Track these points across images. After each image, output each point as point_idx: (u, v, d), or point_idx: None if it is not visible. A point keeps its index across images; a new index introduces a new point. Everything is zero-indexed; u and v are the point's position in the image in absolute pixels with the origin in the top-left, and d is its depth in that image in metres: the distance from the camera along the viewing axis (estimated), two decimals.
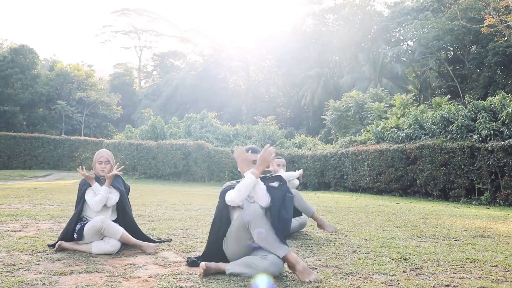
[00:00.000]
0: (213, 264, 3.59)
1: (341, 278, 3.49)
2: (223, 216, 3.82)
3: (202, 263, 3.54)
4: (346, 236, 5.63)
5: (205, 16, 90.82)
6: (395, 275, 3.61)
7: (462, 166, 13.34)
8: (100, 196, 4.54)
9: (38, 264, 3.81)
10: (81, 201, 4.63)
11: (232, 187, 3.73)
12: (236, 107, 47.16)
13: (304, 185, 19.38)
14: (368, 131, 19.06)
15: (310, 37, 44.93)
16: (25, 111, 40.72)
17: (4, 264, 3.78)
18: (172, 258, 4.19)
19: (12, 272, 3.52)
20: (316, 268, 3.84)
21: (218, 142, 25.26)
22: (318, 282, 3.34)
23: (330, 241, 5.25)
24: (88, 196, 4.59)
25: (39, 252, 4.31)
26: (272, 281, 3.32)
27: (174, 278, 3.45)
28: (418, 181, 14.72)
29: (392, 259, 4.18)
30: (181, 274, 3.59)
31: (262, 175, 3.79)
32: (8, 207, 8.09)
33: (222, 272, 3.57)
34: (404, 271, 3.73)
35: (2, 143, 28.70)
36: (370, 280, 3.45)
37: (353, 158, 17.35)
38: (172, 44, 73.16)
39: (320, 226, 5.73)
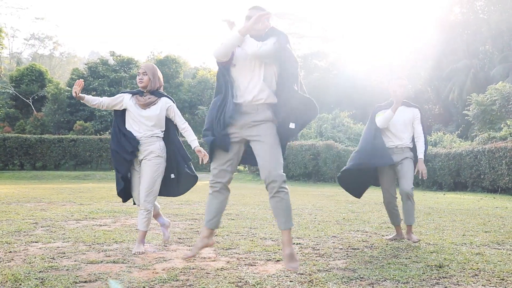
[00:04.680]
0: None
1: (343, 282, 3.30)
2: None
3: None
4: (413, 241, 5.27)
5: (344, 14, 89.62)
6: (408, 282, 3.31)
7: None
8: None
9: (84, 254, 4.22)
10: None
11: None
12: None
13: (438, 185, 18.17)
14: (509, 126, 17.18)
15: (457, 27, 41.73)
16: None
17: (58, 252, 4.27)
18: (205, 254, 4.31)
19: (54, 259, 3.96)
20: (330, 271, 3.68)
21: (349, 141, 24.77)
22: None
23: (388, 244, 4.96)
24: None
25: (98, 243, 4.76)
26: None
27: (181, 272, 3.59)
28: None
29: (427, 266, 3.82)
30: (193, 269, 3.71)
31: None
32: (125, 205, 8.82)
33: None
34: (423, 279, 3.40)
35: None
36: (372, 286, 3.22)
37: (490, 155, 15.75)
38: (314, 45, 73.24)
39: None
